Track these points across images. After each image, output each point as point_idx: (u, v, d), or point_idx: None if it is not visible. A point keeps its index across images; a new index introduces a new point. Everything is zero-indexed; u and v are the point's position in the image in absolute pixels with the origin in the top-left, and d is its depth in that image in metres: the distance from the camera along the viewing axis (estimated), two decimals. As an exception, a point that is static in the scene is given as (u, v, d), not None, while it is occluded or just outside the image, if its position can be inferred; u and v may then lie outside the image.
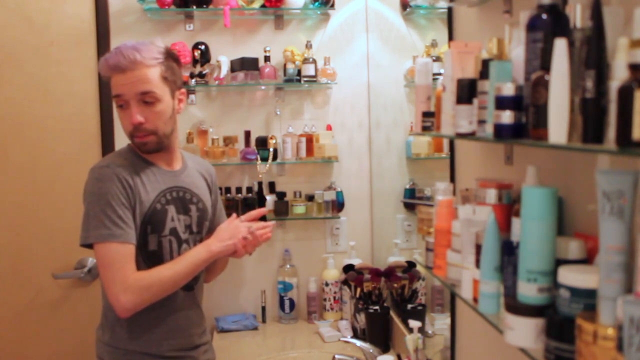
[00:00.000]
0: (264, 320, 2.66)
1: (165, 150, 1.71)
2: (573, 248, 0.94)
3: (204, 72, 2.55)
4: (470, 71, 1.17)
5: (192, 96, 2.63)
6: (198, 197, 1.76)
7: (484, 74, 1.08)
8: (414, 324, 1.81)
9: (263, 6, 2.54)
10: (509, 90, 0.97)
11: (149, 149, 1.67)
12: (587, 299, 0.84)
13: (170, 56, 1.68)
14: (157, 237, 1.65)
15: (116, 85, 1.62)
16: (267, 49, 2.57)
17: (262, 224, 1.78)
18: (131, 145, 1.72)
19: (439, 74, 1.44)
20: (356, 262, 2.54)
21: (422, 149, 2.26)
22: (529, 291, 0.93)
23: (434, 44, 2.13)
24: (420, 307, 2.18)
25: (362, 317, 2.34)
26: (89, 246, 1.60)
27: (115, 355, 1.66)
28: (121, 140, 2.55)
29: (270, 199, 2.59)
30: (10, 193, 2.54)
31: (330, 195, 2.63)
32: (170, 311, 1.67)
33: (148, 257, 1.64)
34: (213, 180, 1.88)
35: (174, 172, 1.74)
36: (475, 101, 1.11)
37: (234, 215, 1.79)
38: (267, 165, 2.57)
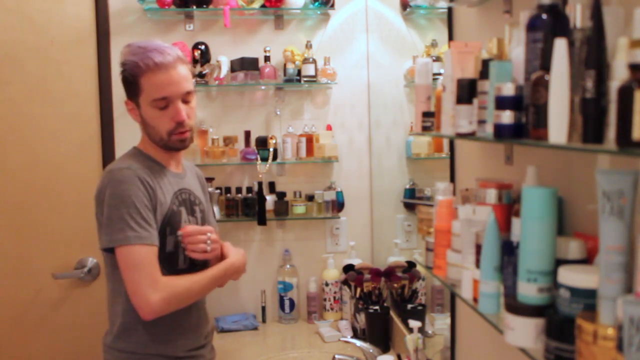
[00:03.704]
0: (264, 320, 2.67)
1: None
2: (573, 248, 0.94)
3: (204, 72, 2.55)
4: (470, 71, 1.17)
5: (192, 96, 2.63)
6: (199, 199, 1.78)
7: (484, 74, 1.08)
8: (414, 324, 1.80)
9: (263, 6, 2.54)
10: (509, 90, 0.97)
11: (186, 145, 1.70)
12: (587, 299, 0.84)
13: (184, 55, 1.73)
14: (175, 238, 1.65)
15: (159, 88, 1.60)
16: (267, 49, 2.57)
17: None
18: (139, 148, 1.72)
19: (439, 74, 1.45)
20: (356, 262, 2.54)
21: (422, 149, 2.26)
22: (529, 291, 0.93)
23: (434, 44, 2.14)
24: (420, 307, 2.18)
25: (362, 317, 2.34)
26: (110, 250, 1.58)
27: (119, 357, 1.65)
28: (121, 140, 2.56)
29: (270, 199, 2.59)
30: (10, 193, 2.54)
31: (330, 195, 2.63)
32: (184, 312, 1.67)
33: (165, 259, 1.64)
34: (203, 183, 1.91)
35: (180, 174, 1.76)
36: (475, 101, 1.11)
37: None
38: (267, 165, 2.57)
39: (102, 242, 1.59)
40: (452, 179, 1.67)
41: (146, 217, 1.57)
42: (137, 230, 1.55)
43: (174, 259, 1.66)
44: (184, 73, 1.64)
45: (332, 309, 2.65)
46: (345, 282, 2.45)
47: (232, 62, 2.58)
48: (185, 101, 1.65)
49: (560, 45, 0.83)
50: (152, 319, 1.57)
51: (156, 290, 1.53)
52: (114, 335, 1.66)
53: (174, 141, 1.66)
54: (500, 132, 0.98)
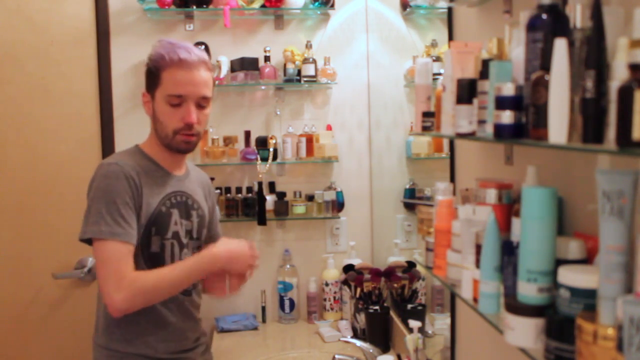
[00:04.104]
0: (264, 320, 2.67)
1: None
2: (573, 248, 0.94)
3: (204, 72, 2.55)
4: (470, 71, 1.17)
5: (192, 96, 2.63)
6: (198, 204, 1.77)
7: (484, 74, 1.08)
8: (414, 324, 1.81)
9: (263, 6, 2.54)
10: (509, 90, 0.97)
11: (189, 149, 1.69)
12: (587, 299, 0.84)
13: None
14: (160, 240, 1.65)
15: (178, 84, 1.61)
16: (267, 49, 2.57)
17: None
18: (140, 147, 1.72)
19: (439, 74, 1.44)
20: (356, 262, 2.54)
21: (422, 149, 2.26)
22: (529, 291, 0.93)
23: (434, 44, 2.13)
24: (420, 307, 2.18)
25: (362, 317, 2.34)
26: (88, 242, 1.59)
27: (111, 359, 1.65)
28: (121, 140, 2.56)
29: (270, 199, 2.59)
30: (10, 193, 2.54)
31: (330, 195, 2.63)
32: (167, 315, 1.67)
33: (149, 258, 1.64)
34: (209, 190, 1.89)
35: (179, 176, 1.74)
36: (475, 101, 1.11)
37: (252, 243, 1.75)
38: (267, 165, 2.57)
39: (83, 233, 1.58)
40: (452, 179, 1.67)
41: (124, 214, 1.56)
42: (111, 226, 1.54)
43: (159, 260, 1.65)
44: (205, 77, 1.64)
45: (332, 309, 2.65)
46: (345, 282, 2.45)
47: (232, 62, 2.58)
48: (200, 106, 1.65)
49: (560, 45, 0.83)
50: (120, 317, 1.56)
51: (120, 289, 1.52)
52: (98, 332, 1.67)
53: (178, 141, 1.65)
54: (500, 132, 0.98)
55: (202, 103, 1.65)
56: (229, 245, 1.69)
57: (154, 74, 1.64)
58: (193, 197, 1.76)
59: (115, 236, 1.54)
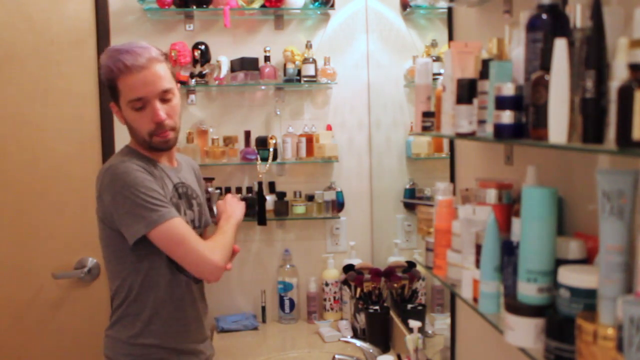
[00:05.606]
0: (264, 320, 2.66)
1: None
2: (573, 248, 0.94)
3: (204, 72, 2.55)
4: (470, 71, 1.17)
5: (192, 96, 2.63)
6: (196, 193, 1.79)
7: (484, 74, 1.08)
8: (414, 324, 1.81)
9: (263, 6, 2.54)
10: (509, 90, 0.97)
11: (170, 145, 1.69)
12: (587, 299, 0.84)
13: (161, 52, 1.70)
14: None
15: (134, 88, 1.59)
16: (267, 49, 2.57)
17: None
18: (131, 146, 1.72)
19: (439, 74, 1.45)
20: (356, 262, 2.54)
21: (422, 149, 2.26)
22: (529, 291, 0.93)
23: (434, 44, 2.13)
24: (420, 307, 2.18)
25: (362, 317, 2.34)
26: (140, 240, 1.57)
27: (131, 350, 1.64)
28: (121, 140, 2.55)
29: (270, 199, 2.59)
30: (10, 193, 2.54)
31: (330, 195, 2.63)
32: (188, 303, 1.69)
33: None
34: (199, 174, 1.92)
35: (175, 169, 1.76)
36: (475, 101, 1.11)
37: (228, 195, 1.95)
38: (267, 165, 2.57)
39: (138, 231, 1.55)
40: (452, 179, 1.67)
41: (164, 194, 1.60)
42: (161, 208, 1.57)
43: None
44: (160, 72, 1.62)
45: (332, 309, 2.65)
46: (345, 282, 2.45)
47: (232, 62, 2.58)
48: (165, 100, 1.63)
49: (560, 45, 0.83)
50: (219, 279, 1.63)
51: (212, 250, 1.59)
52: (116, 325, 1.67)
53: (157, 142, 1.65)
54: (500, 132, 0.98)
55: (165, 97, 1.63)
56: (231, 210, 1.82)
57: (109, 86, 1.64)
58: (191, 186, 1.78)
59: (171, 214, 1.57)
